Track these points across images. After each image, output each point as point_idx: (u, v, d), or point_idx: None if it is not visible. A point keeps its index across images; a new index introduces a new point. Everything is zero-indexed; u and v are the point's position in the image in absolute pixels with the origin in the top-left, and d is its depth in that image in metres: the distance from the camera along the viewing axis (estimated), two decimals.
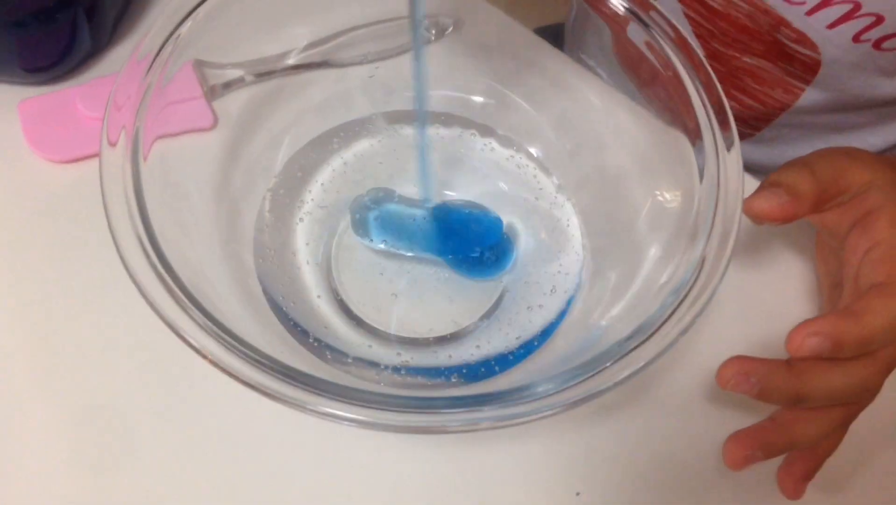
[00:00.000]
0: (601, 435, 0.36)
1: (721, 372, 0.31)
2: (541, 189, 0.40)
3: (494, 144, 0.41)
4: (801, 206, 0.32)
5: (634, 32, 0.35)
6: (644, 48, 0.35)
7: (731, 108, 0.52)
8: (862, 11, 0.42)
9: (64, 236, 0.39)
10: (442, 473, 0.35)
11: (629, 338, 0.29)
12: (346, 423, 0.26)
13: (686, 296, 0.29)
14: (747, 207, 0.32)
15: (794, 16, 0.45)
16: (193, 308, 0.28)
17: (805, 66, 0.48)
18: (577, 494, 0.35)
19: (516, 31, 0.43)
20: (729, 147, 0.32)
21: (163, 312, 0.27)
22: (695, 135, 0.33)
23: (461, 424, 0.27)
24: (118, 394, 0.36)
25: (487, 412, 0.27)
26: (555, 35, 0.43)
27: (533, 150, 0.41)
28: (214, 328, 0.28)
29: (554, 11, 0.39)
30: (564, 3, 0.37)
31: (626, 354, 0.28)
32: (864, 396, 0.32)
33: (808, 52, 0.46)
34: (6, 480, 0.34)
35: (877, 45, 0.44)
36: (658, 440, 0.36)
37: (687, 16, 0.50)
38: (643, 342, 0.28)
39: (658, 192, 0.36)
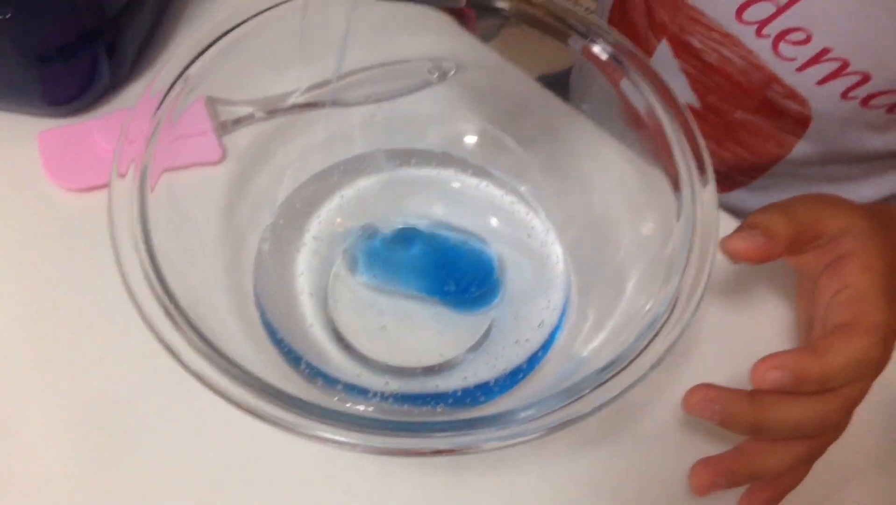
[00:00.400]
0: (582, 467, 0.37)
1: (687, 398, 0.33)
2: (532, 228, 0.42)
3: (489, 183, 0.43)
4: (776, 247, 0.33)
5: (625, 84, 0.37)
6: (631, 97, 0.37)
7: (727, 158, 0.54)
8: (850, 69, 0.44)
9: (75, 255, 0.41)
10: (425, 500, 0.36)
11: (605, 368, 0.30)
12: (329, 444, 0.28)
13: (661, 329, 0.30)
14: (724, 246, 0.33)
15: (785, 72, 0.47)
16: (190, 330, 0.30)
17: (796, 121, 0.49)
18: None
19: (513, 75, 0.45)
20: (705, 184, 0.33)
21: (159, 333, 0.29)
22: (674, 176, 0.34)
23: (444, 446, 0.28)
24: (120, 394, 0.37)
25: (469, 436, 0.28)
26: (562, 82, 0.45)
27: (523, 189, 0.42)
28: (208, 350, 0.29)
29: (556, 61, 0.41)
30: (566, 55, 0.39)
31: (603, 383, 0.29)
32: (823, 430, 0.33)
33: (798, 107, 0.48)
34: (9, 479, 0.35)
35: (864, 102, 0.46)
36: (638, 472, 0.37)
37: (684, 71, 0.52)
38: (619, 372, 0.30)
39: (638, 231, 0.37)
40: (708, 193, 0.33)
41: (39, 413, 0.37)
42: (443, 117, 0.45)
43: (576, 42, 0.38)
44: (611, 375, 0.29)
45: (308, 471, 0.36)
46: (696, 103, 0.53)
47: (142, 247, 0.31)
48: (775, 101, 0.49)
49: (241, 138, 0.43)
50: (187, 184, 0.40)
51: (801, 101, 0.47)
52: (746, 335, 0.41)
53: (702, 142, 0.35)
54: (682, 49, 0.51)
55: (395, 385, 0.36)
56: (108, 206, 0.32)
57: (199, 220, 0.39)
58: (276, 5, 0.37)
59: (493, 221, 0.42)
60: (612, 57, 0.37)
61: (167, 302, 0.30)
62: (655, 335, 0.30)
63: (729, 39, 0.47)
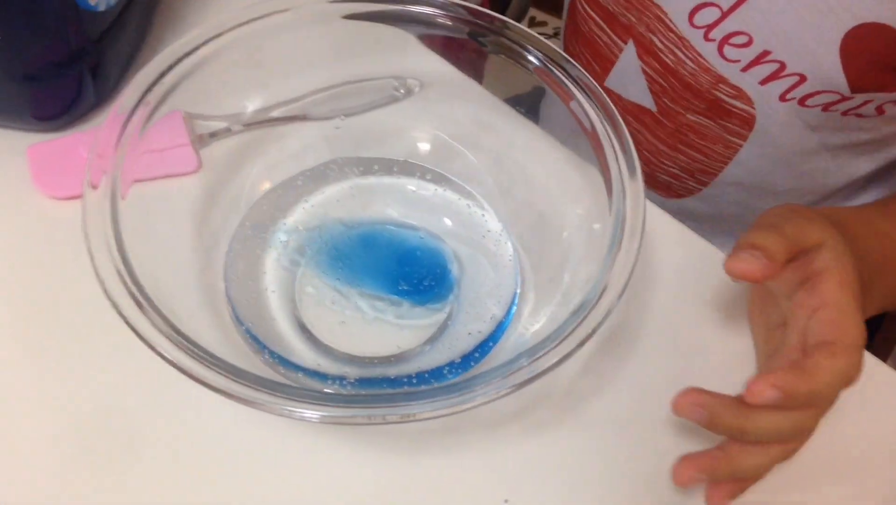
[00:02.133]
0: (530, 450, 0.40)
1: (677, 400, 0.35)
2: (487, 229, 0.45)
3: (446, 188, 0.46)
4: (777, 268, 0.35)
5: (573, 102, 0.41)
6: (576, 110, 0.40)
7: (680, 161, 0.57)
8: (787, 71, 0.48)
9: (63, 259, 0.43)
10: (384, 476, 0.39)
11: (539, 344, 0.33)
12: (292, 417, 0.31)
13: (589, 312, 0.33)
14: (729, 267, 0.35)
15: (731, 73, 0.50)
16: (163, 324, 0.32)
17: (742, 121, 0.53)
18: (505, 501, 0.38)
19: (470, 90, 0.49)
20: (634, 181, 0.36)
21: (135, 328, 0.32)
22: (607, 176, 0.37)
23: (388, 414, 0.31)
24: (123, 398, 0.40)
25: (412, 406, 0.31)
26: (522, 102, 0.48)
27: (476, 192, 0.46)
28: (181, 340, 0.32)
29: (519, 84, 0.44)
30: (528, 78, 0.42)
31: (537, 358, 0.32)
32: (799, 436, 0.36)
33: (744, 106, 0.51)
34: (12, 482, 0.37)
35: (801, 102, 0.49)
36: (581, 456, 0.40)
37: (644, 72, 0.55)
38: (553, 348, 0.32)
39: (576, 226, 0.40)
40: (635, 189, 0.36)
41: (26, 420, 0.39)
42: (405, 129, 0.48)
43: (533, 66, 0.42)
44: (544, 351, 0.32)
45: (309, 477, 0.39)
46: (652, 106, 0.57)
47: (114, 250, 0.34)
48: (723, 101, 0.52)
49: (216, 150, 0.46)
50: (165, 192, 0.43)
51: (747, 99, 0.51)
52: (693, 331, 0.44)
53: (632, 146, 0.38)
54: (645, 49, 0.54)
55: (353, 372, 0.39)
56: (81, 215, 0.35)
57: (174, 224, 0.42)
58: (242, 24, 0.41)
59: (449, 223, 0.45)
60: (563, 77, 0.41)
61: (141, 299, 0.33)
62: (584, 317, 0.33)
63: (682, 42, 0.51)
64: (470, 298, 0.42)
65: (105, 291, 0.33)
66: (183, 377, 0.37)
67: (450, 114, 0.48)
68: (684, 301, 0.45)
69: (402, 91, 0.50)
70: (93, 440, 0.39)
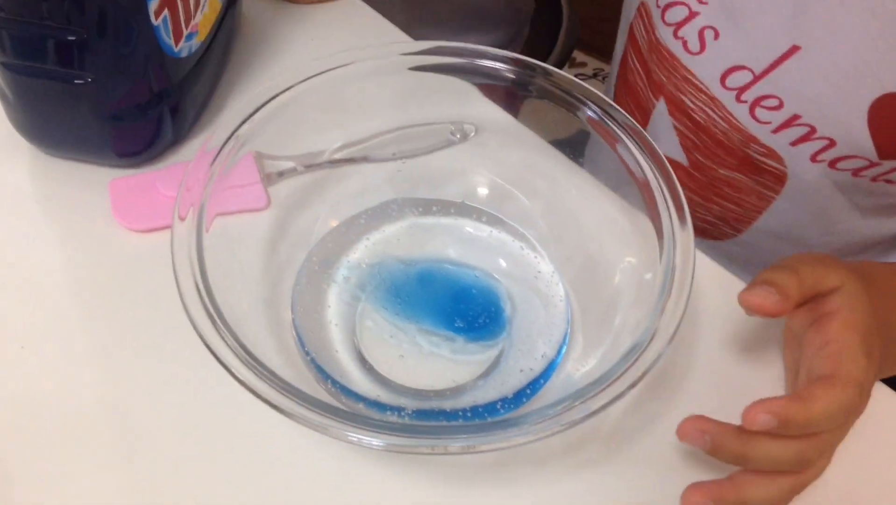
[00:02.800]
0: (577, 487, 0.41)
1: (682, 426, 0.37)
2: (539, 270, 0.47)
3: (501, 230, 0.48)
4: (789, 305, 0.37)
5: (620, 147, 0.43)
6: (625, 157, 0.42)
7: (713, 210, 0.59)
8: (817, 135, 0.49)
9: (138, 287, 0.46)
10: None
11: (591, 385, 0.34)
12: (359, 444, 0.33)
13: (640, 356, 0.35)
14: (743, 299, 0.37)
15: (762, 133, 0.52)
16: (238, 347, 0.35)
17: (774, 178, 0.54)
18: None
19: (524, 136, 0.51)
20: (684, 229, 0.38)
21: (213, 349, 0.35)
22: (657, 223, 0.39)
23: (445, 445, 0.33)
24: (129, 396, 0.42)
25: (468, 439, 0.33)
26: (570, 146, 0.50)
27: (530, 234, 0.48)
28: (253, 363, 0.35)
29: (567, 128, 0.47)
30: (575, 123, 0.45)
31: (589, 398, 0.34)
32: (801, 466, 0.37)
33: (775, 164, 0.53)
34: (17, 479, 0.39)
35: (832, 164, 0.50)
36: (626, 495, 0.41)
37: (676, 129, 0.57)
38: (603, 389, 0.34)
39: (627, 271, 0.42)
40: (685, 239, 0.38)
41: (42, 409, 0.42)
42: (462, 172, 0.50)
43: (582, 113, 0.44)
44: (597, 391, 0.34)
45: (312, 477, 0.40)
46: (684, 161, 0.59)
47: (199, 279, 0.37)
48: (755, 158, 0.54)
49: (283, 188, 0.49)
50: (237, 227, 0.46)
51: (778, 158, 0.52)
52: (736, 373, 0.45)
53: (682, 195, 0.40)
54: (676, 107, 0.56)
55: (410, 404, 0.41)
56: (171, 245, 0.38)
57: (247, 258, 0.45)
58: (316, 75, 0.44)
59: (504, 263, 0.47)
60: (610, 124, 0.43)
61: (220, 324, 0.35)
62: (635, 360, 0.35)
63: (714, 102, 0.53)
64: (522, 337, 0.44)
65: (188, 313, 0.35)
66: (198, 372, 0.39)
67: (504, 158, 0.51)
68: (727, 343, 0.46)
69: (458, 136, 0.53)
70: (103, 428, 0.41)
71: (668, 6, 0.53)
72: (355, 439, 0.32)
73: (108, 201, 0.49)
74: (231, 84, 0.57)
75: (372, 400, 0.40)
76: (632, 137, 0.42)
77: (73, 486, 0.40)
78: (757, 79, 0.49)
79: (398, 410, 0.40)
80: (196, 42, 0.50)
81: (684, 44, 0.53)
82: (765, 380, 0.45)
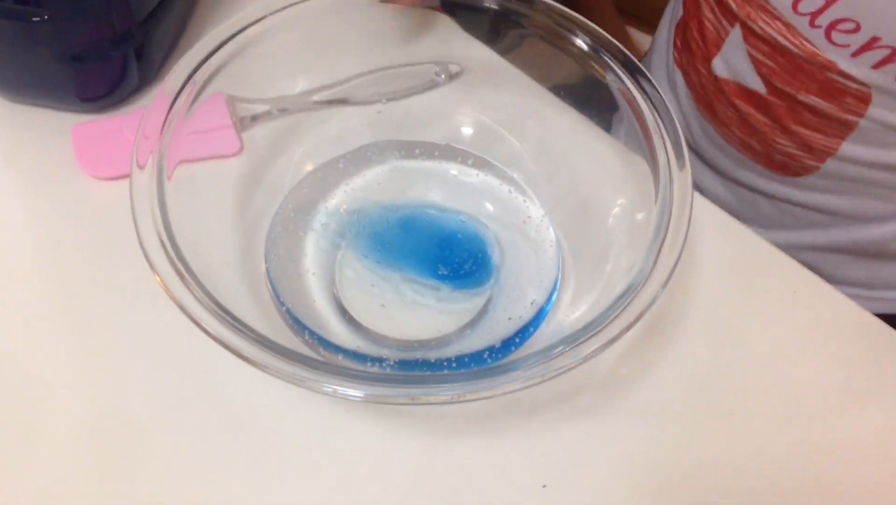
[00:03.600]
0: (569, 436, 0.39)
1: None
2: (528, 215, 0.44)
3: (488, 173, 0.46)
4: None
5: (612, 80, 0.40)
6: (620, 93, 0.40)
7: (794, 139, 0.56)
8: None
9: (105, 240, 0.44)
10: (422, 460, 0.39)
11: (582, 329, 0.32)
12: (334, 395, 0.31)
13: (633, 299, 0.33)
14: None
15: (840, 58, 0.50)
16: (207, 300, 0.33)
17: (857, 99, 0.52)
18: (544, 486, 0.38)
19: (512, 75, 0.48)
20: (681, 169, 0.36)
21: (180, 302, 0.32)
22: (654, 162, 0.37)
23: (441, 396, 0.31)
24: (132, 400, 0.40)
25: (454, 387, 0.31)
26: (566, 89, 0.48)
27: (517, 177, 0.45)
28: (223, 315, 0.32)
29: (564, 71, 0.44)
30: (571, 64, 0.42)
31: (579, 343, 0.32)
32: None
33: (858, 86, 0.51)
34: (21, 485, 0.37)
35: None
36: (620, 443, 0.40)
37: (751, 55, 0.55)
38: (594, 335, 0.32)
39: (620, 214, 0.40)
40: (683, 179, 0.36)
41: (45, 414, 0.39)
42: (447, 114, 0.48)
43: (574, 48, 0.41)
44: (587, 336, 0.32)
45: (321, 478, 0.38)
46: (761, 88, 0.56)
47: (161, 229, 0.34)
48: (835, 80, 0.51)
49: (258, 133, 0.46)
50: (206, 174, 0.43)
51: (860, 81, 0.50)
52: (732, 322, 0.43)
53: (681, 134, 0.37)
54: (750, 33, 0.54)
55: (393, 355, 0.39)
56: (130, 194, 0.35)
57: (218, 205, 0.42)
58: (287, 7, 0.41)
59: (491, 207, 0.45)
60: (606, 58, 0.40)
61: (186, 276, 0.33)
62: (628, 303, 0.33)
63: (789, 29, 0.51)
64: (510, 284, 0.42)
65: (151, 266, 0.33)
66: (201, 373, 0.37)
67: (492, 99, 0.48)
68: (726, 290, 0.44)
69: (442, 76, 0.50)
70: (106, 433, 0.39)
71: None
72: (330, 390, 0.30)
73: (72, 148, 0.46)
74: (203, 22, 0.53)
75: (351, 351, 0.38)
76: (629, 74, 0.40)
77: (37, 450, 0.38)
78: (830, 2, 0.47)
79: (380, 361, 0.38)
80: None
81: None
82: (761, 326, 0.43)
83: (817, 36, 0.50)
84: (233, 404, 0.39)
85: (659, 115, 0.38)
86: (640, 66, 0.39)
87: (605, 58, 0.40)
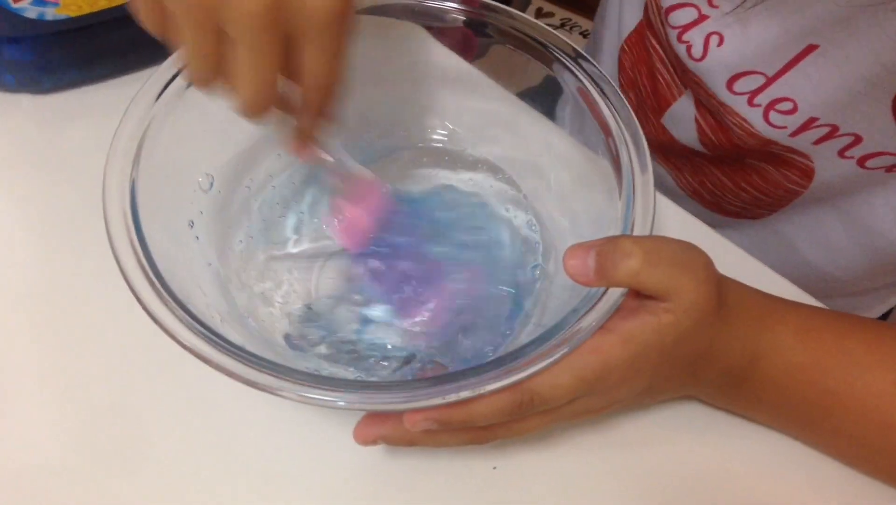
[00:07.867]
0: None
1: (356, 431, 0.34)
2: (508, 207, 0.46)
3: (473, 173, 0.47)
4: (595, 284, 0.33)
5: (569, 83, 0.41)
6: (579, 97, 0.40)
7: (742, 196, 0.56)
8: (840, 132, 0.46)
9: (85, 236, 0.43)
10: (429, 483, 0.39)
11: (549, 329, 0.33)
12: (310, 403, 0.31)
13: (599, 299, 0.33)
14: (566, 254, 0.34)
15: (780, 137, 0.48)
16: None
17: (802, 172, 0.51)
18: (494, 468, 0.39)
19: (480, 82, 0.49)
20: (644, 171, 0.36)
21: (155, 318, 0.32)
22: (616, 162, 0.37)
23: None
24: (128, 395, 0.40)
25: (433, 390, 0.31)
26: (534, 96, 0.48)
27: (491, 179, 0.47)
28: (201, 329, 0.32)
29: (530, 77, 0.44)
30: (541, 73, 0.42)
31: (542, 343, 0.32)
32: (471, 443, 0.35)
33: (801, 159, 0.50)
34: (17, 482, 0.38)
35: (860, 162, 0.47)
36: (568, 426, 0.40)
37: (697, 121, 0.54)
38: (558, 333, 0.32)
39: (589, 206, 0.41)
40: (645, 179, 0.36)
41: (42, 411, 0.40)
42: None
43: (542, 58, 0.42)
44: (553, 336, 0.32)
45: (315, 466, 0.39)
46: (706, 152, 0.55)
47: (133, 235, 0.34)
48: (781, 154, 0.50)
49: None
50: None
51: (803, 154, 0.49)
52: None
53: (644, 143, 0.37)
54: (699, 102, 0.53)
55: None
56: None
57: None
58: None
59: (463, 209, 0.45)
60: (578, 75, 0.40)
61: (161, 289, 0.33)
62: (594, 304, 0.33)
63: (724, 108, 0.50)
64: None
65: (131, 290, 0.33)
66: (195, 369, 0.37)
67: (459, 106, 0.49)
68: None
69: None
70: (101, 429, 0.39)
71: (672, 7, 0.49)
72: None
73: None
74: None
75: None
76: (598, 88, 0.40)
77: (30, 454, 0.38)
78: (770, 81, 0.46)
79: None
80: (53, 11, 0.47)
81: (688, 48, 0.49)
82: None
83: (755, 116, 0.48)
84: (225, 409, 0.40)
85: (624, 122, 0.38)
86: (605, 75, 0.40)
87: (572, 67, 0.41)
